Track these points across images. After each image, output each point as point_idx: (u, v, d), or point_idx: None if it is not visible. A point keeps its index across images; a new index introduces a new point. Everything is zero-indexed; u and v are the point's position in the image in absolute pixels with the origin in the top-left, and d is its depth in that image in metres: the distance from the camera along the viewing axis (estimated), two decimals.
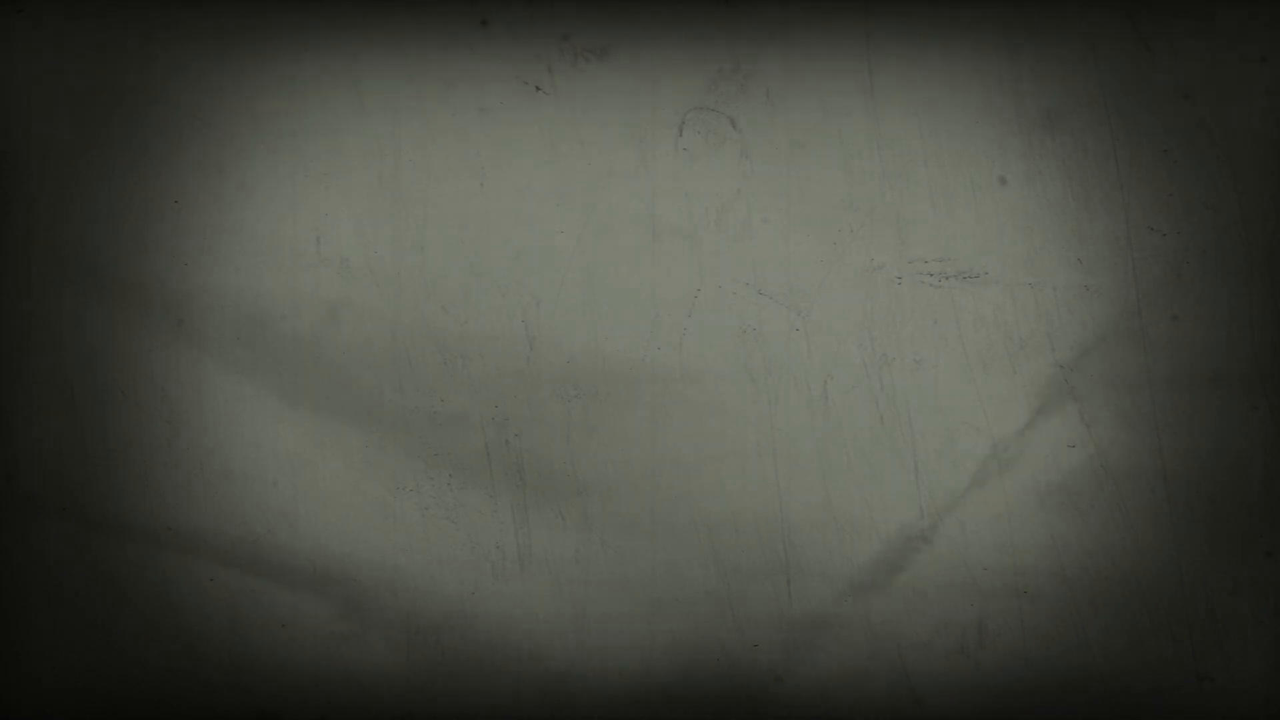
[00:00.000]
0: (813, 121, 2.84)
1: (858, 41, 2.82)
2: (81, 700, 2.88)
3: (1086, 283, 2.81)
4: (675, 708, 2.86)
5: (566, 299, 2.86)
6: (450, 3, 2.85)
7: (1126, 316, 2.80)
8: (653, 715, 2.86)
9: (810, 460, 2.84)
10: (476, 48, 2.85)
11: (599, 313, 2.86)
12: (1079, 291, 2.81)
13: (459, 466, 2.87)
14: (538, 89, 2.85)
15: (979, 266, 2.82)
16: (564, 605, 2.87)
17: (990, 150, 2.82)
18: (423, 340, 2.87)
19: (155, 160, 2.86)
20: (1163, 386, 2.80)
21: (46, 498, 2.87)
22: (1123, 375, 2.80)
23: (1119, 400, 2.80)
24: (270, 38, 2.86)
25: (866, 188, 2.84)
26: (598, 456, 2.86)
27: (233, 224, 2.86)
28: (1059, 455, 2.81)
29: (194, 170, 2.86)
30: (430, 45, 2.85)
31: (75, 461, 2.86)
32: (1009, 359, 2.82)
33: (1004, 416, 2.82)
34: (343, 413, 2.87)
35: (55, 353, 2.86)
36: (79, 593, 2.88)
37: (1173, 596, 2.80)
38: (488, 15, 2.84)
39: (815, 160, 2.84)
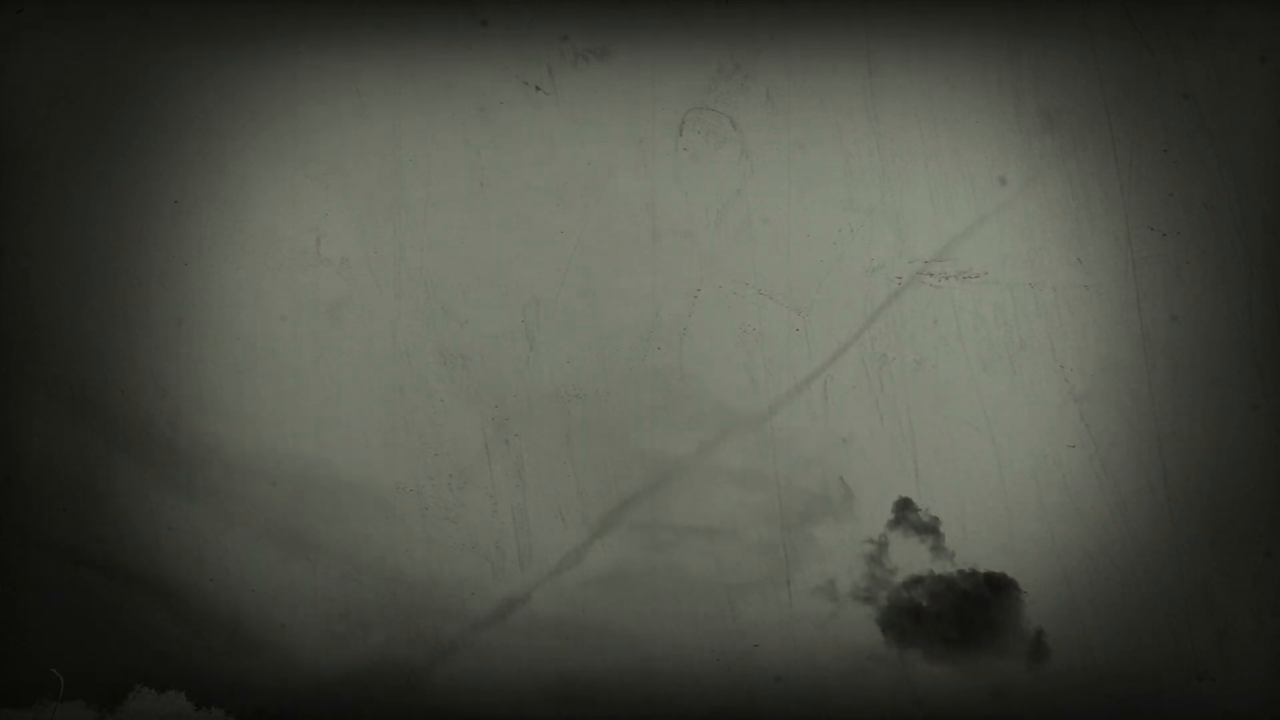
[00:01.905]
0: (813, 121, 2.83)
1: (858, 41, 2.82)
2: (82, 700, 2.88)
3: (1086, 283, 2.81)
4: (675, 708, 2.86)
5: (566, 299, 2.86)
6: (450, 3, 2.85)
7: (1126, 316, 2.80)
8: (653, 716, 2.86)
9: (810, 460, 2.84)
10: (476, 48, 2.85)
11: (599, 313, 2.86)
12: (1079, 291, 2.81)
13: (459, 466, 2.87)
14: (538, 89, 2.85)
15: (979, 266, 2.82)
16: (564, 605, 2.87)
17: (990, 150, 2.82)
18: (423, 340, 2.87)
19: (155, 160, 2.86)
20: (1163, 386, 2.79)
21: (47, 498, 2.86)
22: (1123, 375, 2.80)
23: (1119, 400, 2.80)
24: (270, 38, 2.86)
25: (866, 188, 2.84)
26: (598, 456, 2.86)
27: (233, 224, 2.86)
28: (1059, 455, 2.81)
29: (194, 170, 2.86)
30: (430, 45, 2.85)
31: (75, 461, 2.86)
32: (1009, 359, 2.82)
33: (1004, 416, 2.82)
34: (343, 413, 2.87)
35: (56, 353, 2.86)
36: (79, 592, 2.88)
37: (1173, 596, 2.80)
38: (488, 15, 2.84)
39: (815, 160, 2.84)
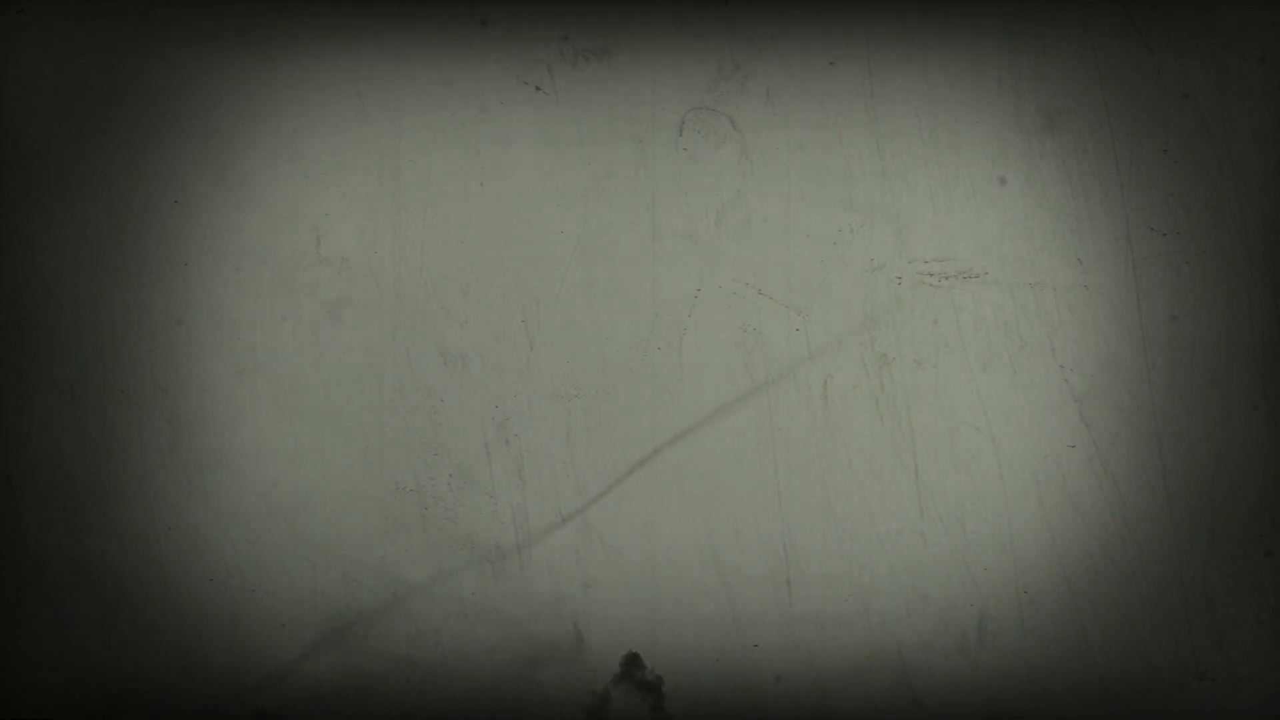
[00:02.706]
0: (813, 121, 2.84)
1: (858, 42, 2.82)
2: (81, 700, 2.88)
3: (1086, 283, 2.81)
4: (676, 708, 2.86)
5: (566, 299, 2.86)
6: (450, 3, 2.85)
7: (1126, 316, 2.80)
8: (653, 714, 2.86)
9: (810, 460, 2.84)
10: (476, 48, 2.85)
11: (599, 313, 2.86)
12: (1079, 291, 2.81)
13: (459, 466, 2.87)
14: (538, 89, 2.85)
15: (979, 266, 2.82)
16: (564, 605, 2.87)
17: (990, 150, 2.82)
18: (423, 340, 2.87)
19: (155, 160, 2.86)
20: (1163, 386, 2.80)
21: (46, 498, 2.87)
22: (1123, 375, 2.80)
23: (1119, 400, 2.80)
24: (270, 39, 2.86)
25: (866, 188, 2.84)
26: (598, 456, 2.86)
27: (233, 224, 2.86)
28: (1059, 455, 2.81)
29: (194, 170, 2.86)
30: (430, 45, 2.85)
31: (75, 461, 2.86)
32: (1009, 359, 2.82)
33: (1004, 416, 2.82)
34: (343, 413, 2.87)
35: (55, 353, 2.86)
36: (79, 593, 2.88)
37: (1173, 596, 2.80)
38: (488, 15, 2.84)
39: (815, 160, 2.84)
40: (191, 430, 2.85)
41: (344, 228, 2.86)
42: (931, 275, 2.82)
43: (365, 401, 2.86)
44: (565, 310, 2.85)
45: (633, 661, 2.74)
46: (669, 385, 2.85)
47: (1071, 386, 2.81)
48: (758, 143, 2.84)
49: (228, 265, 2.86)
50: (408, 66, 2.85)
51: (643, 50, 2.83)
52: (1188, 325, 2.79)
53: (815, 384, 2.83)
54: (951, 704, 2.82)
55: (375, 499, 2.86)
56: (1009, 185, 2.81)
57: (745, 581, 2.84)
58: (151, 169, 2.86)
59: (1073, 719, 2.81)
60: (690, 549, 2.85)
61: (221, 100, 2.86)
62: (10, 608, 2.87)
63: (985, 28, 2.81)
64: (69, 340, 2.86)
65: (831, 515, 2.83)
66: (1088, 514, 2.81)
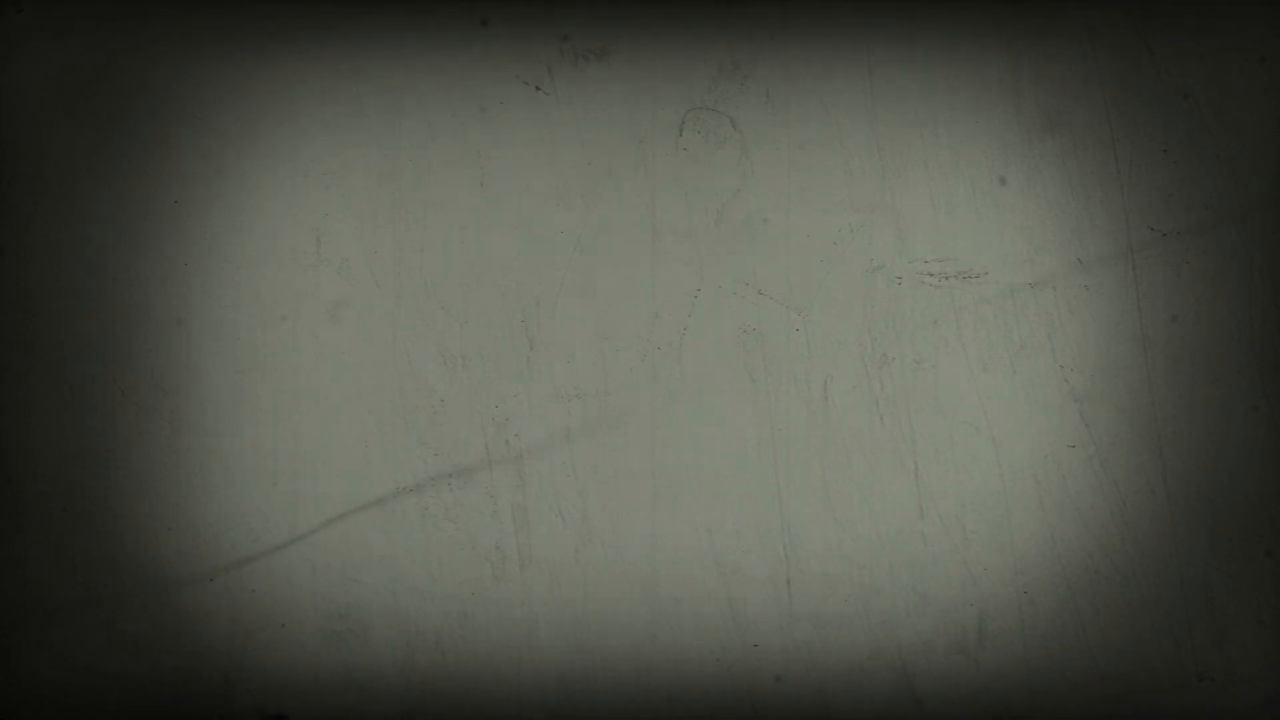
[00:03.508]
0: (813, 121, 2.84)
1: (858, 42, 2.82)
2: (82, 700, 2.88)
3: (1086, 283, 2.81)
4: (676, 708, 2.86)
5: (566, 299, 2.86)
6: (450, 3, 2.85)
7: (1126, 316, 2.80)
8: (653, 716, 2.86)
9: (810, 460, 2.84)
10: (476, 48, 2.85)
11: (599, 313, 2.86)
12: (1079, 291, 2.81)
13: (459, 466, 2.87)
14: (538, 89, 2.85)
15: (979, 266, 2.82)
16: (564, 605, 2.87)
17: (990, 150, 2.82)
18: (423, 340, 2.87)
19: (155, 160, 2.86)
20: (1163, 386, 2.80)
21: (46, 498, 2.86)
22: (1123, 375, 2.80)
23: (1119, 400, 2.80)
24: (270, 38, 2.86)
25: (866, 188, 2.84)
26: (598, 457, 2.86)
27: (233, 224, 2.86)
28: (1059, 455, 2.81)
29: (194, 170, 2.86)
30: (430, 45, 2.85)
31: (75, 461, 2.86)
32: (1009, 359, 2.82)
33: (1004, 416, 2.82)
34: (343, 413, 2.87)
35: (55, 352, 2.86)
36: (79, 593, 2.88)
37: (1173, 596, 2.80)
38: (488, 15, 2.85)
39: (815, 160, 2.84)
40: (191, 430, 2.85)
41: (344, 228, 2.86)
42: (931, 275, 2.82)
43: (365, 401, 2.86)
44: (565, 310, 2.85)
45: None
46: (669, 385, 2.85)
47: (1071, 386, 2.81)
48: (758, 143, 2.84)
49: (228, 265, 2.86)
50: (408, 66, 2.85)
51: (643, 50, 2.83)
52: (1188, 325, 2.79)
53: (815, 384, 2.83)
54: (951, 704, 2.82)
55: (375, 499, 2.86)
56: (1009, 185, 2.81)
57: (745, 581, 2.84)
58: (151, 169, 2.86)
59: (1073, 719, 2.81)
60: (690, 549, 2.85)
61: (221, 100, 2.86)
62: (10, 608, 2.87)
63: (985, 28, 2.81)
64: (70, 341, 2.86)
65: (831, 515, 2.83)
66: (1088, 514, 2.81)
